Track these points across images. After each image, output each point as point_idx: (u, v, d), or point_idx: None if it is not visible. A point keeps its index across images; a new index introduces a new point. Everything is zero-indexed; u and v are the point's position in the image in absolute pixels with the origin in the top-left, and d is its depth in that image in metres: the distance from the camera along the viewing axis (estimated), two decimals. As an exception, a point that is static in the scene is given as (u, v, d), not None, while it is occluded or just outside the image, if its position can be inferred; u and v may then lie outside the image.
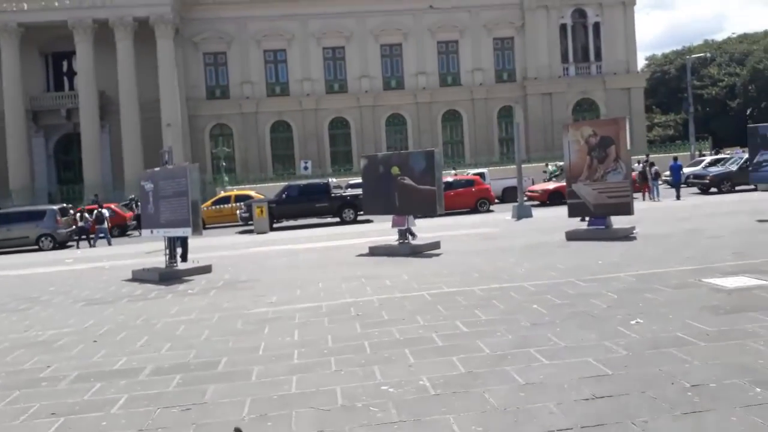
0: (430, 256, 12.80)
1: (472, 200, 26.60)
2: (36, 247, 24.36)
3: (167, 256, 13.03)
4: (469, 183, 27.30)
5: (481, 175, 30.13)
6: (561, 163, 32.44)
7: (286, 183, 31.26)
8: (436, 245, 13.73)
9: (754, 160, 15.56)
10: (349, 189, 28.18)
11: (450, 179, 27.16)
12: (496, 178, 31.76)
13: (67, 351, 6.98)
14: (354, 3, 48.58)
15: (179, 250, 13.75)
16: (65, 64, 46.92)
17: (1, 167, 41.60)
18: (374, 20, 49.08)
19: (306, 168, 43.86)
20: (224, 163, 44.83)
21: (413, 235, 14.37)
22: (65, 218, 25.39)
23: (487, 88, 50.20)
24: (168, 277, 12.06)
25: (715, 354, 5.11)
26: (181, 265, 13.16)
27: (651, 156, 31.63)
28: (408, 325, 6.89)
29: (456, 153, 50.40)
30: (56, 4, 41.76)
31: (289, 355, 6.06)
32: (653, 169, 26.56)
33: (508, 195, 29.29)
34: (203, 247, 17.12)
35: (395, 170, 14.04)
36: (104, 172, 43.19)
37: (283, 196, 25.81)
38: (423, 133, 49.30)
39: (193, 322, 8.06)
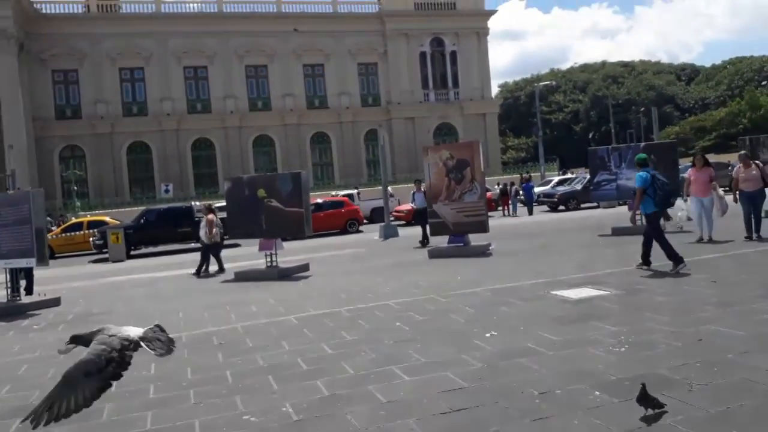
0: (299, 279, 12.72)
1: (342, 221, 26.84)
2: None
3: (9, 290, 11.91)
4: (339, 204, 27.53)
5: (350, 196, 30.50)
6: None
7: (145, 207, 29.75)
8: (304, 267, 13.67)
9: (595, 180, 17.02)
10: (215, 212, 27.32)
11: (319, 201, 27.24)
12: (365, 199, 32.34)
13: None
14: (216, 23, 47.78)
15: (23, 283, 12.62)
16: None
17: None
18: (238, 41, 48.48)
19: (167, 191, 42.07)
20: (76, 188, 41.96)
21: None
22: None
23: (353, 111, 51.13)
24: (9, 312, 11.01)
25: (561, 362, 5.50)
26: (25, 299, 12.07)
27: (505, 177, 33.69)
28: (273, 351, 6.78)
29: (325, 174, 50.72)
30: None
31: (144, 390, 5.74)
32: (513, 188, 29.02)
33: (376, 215, 29.87)
34: (52, 278, 15.84)
35: (261, 193, 13.86)
36: (-67, 199, 38.77)
37: (142, 221, 24.54)
38: (291, 155, 49.16)
39: (37, 360, 7.42)
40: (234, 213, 14.85)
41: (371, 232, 24.15)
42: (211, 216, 15.10)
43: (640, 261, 10.01)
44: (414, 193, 19.09)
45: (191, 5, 49.35)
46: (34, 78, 44.10)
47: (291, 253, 16.09)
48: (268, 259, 13.80)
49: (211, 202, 21.73)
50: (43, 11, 45.17)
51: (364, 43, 51.62)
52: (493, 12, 56.87)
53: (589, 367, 5.25)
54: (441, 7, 53.57)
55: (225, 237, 16.10)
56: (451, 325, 7.22)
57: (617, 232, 15.48)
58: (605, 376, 5.01)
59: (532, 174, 38.09)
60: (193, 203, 27.51)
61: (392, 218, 25.23)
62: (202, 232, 15.00)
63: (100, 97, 45.59)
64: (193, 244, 24.70)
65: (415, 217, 19.73)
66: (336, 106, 50.81)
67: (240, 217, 14.47)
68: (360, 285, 10.99)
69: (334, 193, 33.73)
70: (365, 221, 29.34)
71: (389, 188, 35.37)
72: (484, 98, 54.49)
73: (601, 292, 8.39)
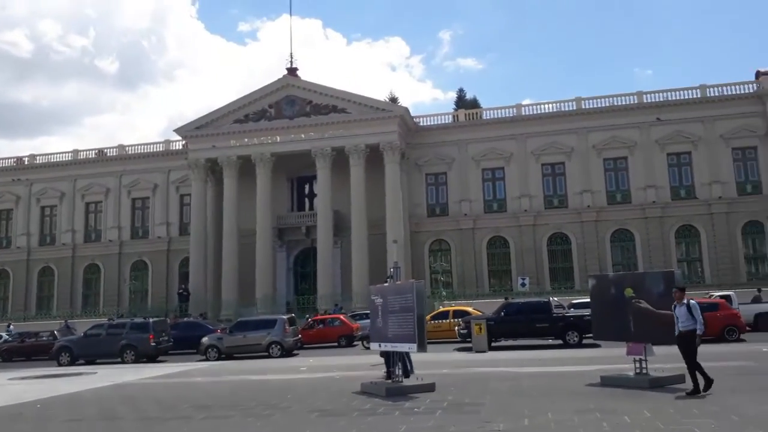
0: (674, 390, 11.40)
1: (717, 327, 23.38)
2: (266, 354, 25.73)
3: (393, 371, 13.26)
4: (713, 307, 24.24)
5: (727, 298, 26.85)
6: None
7: (504, 300, 30.78)
8: (679, 378, 12.22)
9: None
10: (572, 309, 26.79)
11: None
12: (744, 302, 28.06)
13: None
14: (574, 120, 48.80)
15: (399, 365, 13.94)
16: (307, 187, 52.70)
17: (250, 278, 46.79)
18: (596, 136, 48.45)
19: (524, 284, 43.03)
20: (442, 278, 45.84)
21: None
22: (292, 327, 27.40)
23: (727, 201, 45.83)
24: (394, 392, 12.20)
25: None
26: (406, 381, 13.27)
27: None
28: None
29: (693, 272, 46.03)
30: (302, 136, 47.73)
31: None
32: None
33: (761, 322, 25.59)
34: (425, 363, 17.16)
35: (629, 292, 13.08)
36: (335, 284, 46.44)
37: (502, 313, 25.30)
38: (653, 249, 45.97)
39: (420, 444, 7.93)
40: (599, 312, 14.29)
41: (758, 343, 20.66)
42: None
43: None
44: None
45: (548, 106, 51.29)
46: (412, 181, 50.46)
47: (662, 359, 14.61)
48: (637, 365, 12.75)
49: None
50: (421, 124, 52.05)
51: (738, 127, 46.56)
52: None
53: None
54: None
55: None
56: None
57: None
58: None
59: None
60: (550, 298, 27.48)
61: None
62: None
63: (464, 196, 49.74)
64: (550, 341, 24.48)
65: None
66: (705, 196, 46.26)
67: (605, 318, 13.85)
68: (758, 408, 9.29)
69: (706, 294, 30.22)
70: (747, 328, 25.26)
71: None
72: None
73: None
